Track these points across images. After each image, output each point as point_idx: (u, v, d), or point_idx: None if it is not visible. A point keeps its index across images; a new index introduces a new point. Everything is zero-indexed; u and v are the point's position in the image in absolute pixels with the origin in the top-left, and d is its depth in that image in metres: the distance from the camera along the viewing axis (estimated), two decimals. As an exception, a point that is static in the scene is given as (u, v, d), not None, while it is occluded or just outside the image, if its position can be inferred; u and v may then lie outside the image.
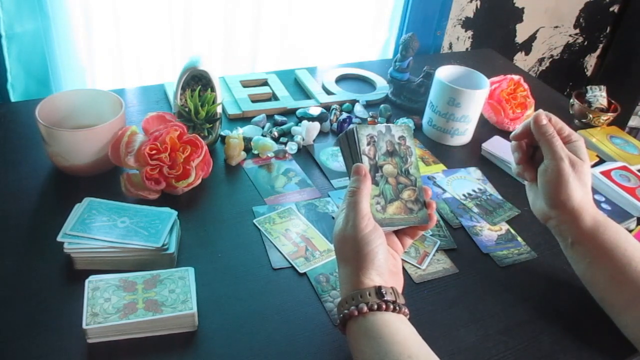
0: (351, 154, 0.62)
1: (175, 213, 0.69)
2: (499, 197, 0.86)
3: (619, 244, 0.63)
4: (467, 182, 0.89)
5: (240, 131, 0.88)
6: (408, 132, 0.65)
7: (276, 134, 0.91)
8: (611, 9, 1.72)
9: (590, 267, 0.65)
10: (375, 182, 0.61)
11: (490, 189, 0.88)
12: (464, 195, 0.85)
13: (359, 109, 1.02)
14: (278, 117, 0.96)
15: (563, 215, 0.66)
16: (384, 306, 0.53)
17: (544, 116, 0.66)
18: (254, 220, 0.75)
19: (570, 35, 1.70)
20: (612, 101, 1.11)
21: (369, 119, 0.99)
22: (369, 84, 1.14)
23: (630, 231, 0.83)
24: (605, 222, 0.65)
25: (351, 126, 0.63)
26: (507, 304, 0.68)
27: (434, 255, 0.73)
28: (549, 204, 0.66)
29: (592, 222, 0.64)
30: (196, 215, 0.75)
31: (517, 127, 0.71)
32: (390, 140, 0.64)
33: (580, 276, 0.67)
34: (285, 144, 0.90)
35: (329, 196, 0.82)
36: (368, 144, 0.62)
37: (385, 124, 0.64)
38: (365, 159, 0.61)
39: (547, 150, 0.65)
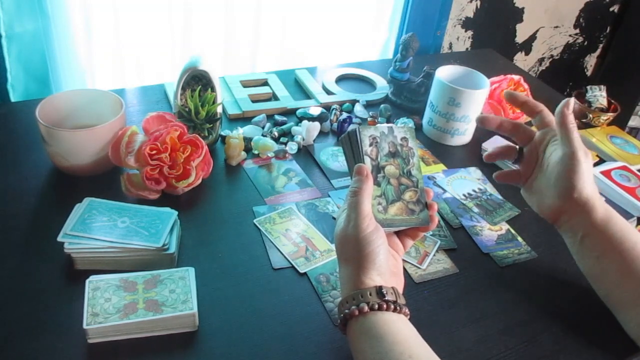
0: (353, 154, 0.62)
1: (175, 213, 0.69)
2: (499, 197, 0.86)
3: (629, 237, 0.63)
4: (467, 182, 0.89)
5: (241, 131, 0.88)
6: (410, 134, 0.65)
7: (276, 134, 0.91)
8: (611, 9, 1.72)
9: (599, 261, 0.64)
10: (377, 183, 0.61)
11: (490, 188, 0.88)
12: (464, 195, 0.85)
13: (359, 109, 1.02)
14: (278, 117, 0.96)
15: (577, 207, 0.65)
16: (384, 306, 0.53)
17: (572, 104, 0.66)
18: (254, 220, 0.75)
19: (570, 35, 1.70)
20: (612, 101, 1.11)
21: (369, 119, 0.99)
22: (369, 84, 1.14)
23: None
24: (615, 214, 0.65)
25: (353, 127, 0.63)
26: (507, 304, 0.68)
27: (434, 255, 0.73)
28: (562, 194, 0.65)
29: (604, 213, 0.64)
30: (196, 215, 0.75)
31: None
32: (392, 141, 0.64)
33: (587, 272, 0.67)
34: (285, 144, 0.90)
35: (329, 196, 0.82)
36: (370, 144, 0.62)
37: (387, 125, 0.64)
38: (367, 159, 0.61)
39: (566, 139, 0.65)
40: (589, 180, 0.64)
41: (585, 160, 0.64)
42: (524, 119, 1.03)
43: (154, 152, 0.72)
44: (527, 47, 1.64)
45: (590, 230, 0.64)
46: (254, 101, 1.00)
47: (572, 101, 0.66)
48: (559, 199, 0.66)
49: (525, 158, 0.72)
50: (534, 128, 0.73)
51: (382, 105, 1.03)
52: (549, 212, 0.68)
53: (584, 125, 1.08)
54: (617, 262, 0.63)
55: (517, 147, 0.74)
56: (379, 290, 0.53)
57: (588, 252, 0.66)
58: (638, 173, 0.93)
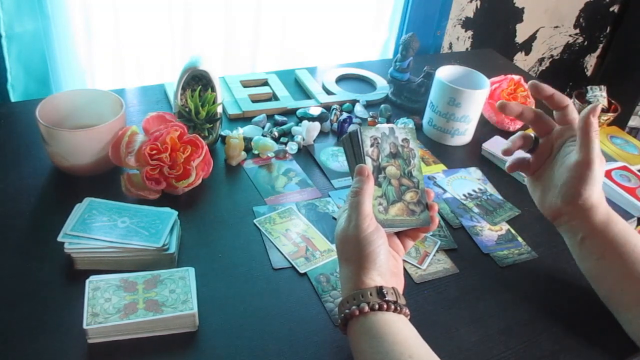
0: (354, 155, 0.62)
1: (175, 213, 0.69)
2: (499, 197, 0.86)
3: (629, 239, 0.62)
4: (468, 182, 0.89)
5: (241, 131, 0.88)
6: (411, 135, 0.65)
7: (276, 134, 0.91)
8: (611, 9, 1.72)
9: (600, 263, 0.64)
10: (378, 184, 0.61)
11: (490, 189, 0.88)
12: (464, 195, 0.85)
13: (359, 109, 1.02)
14: (278, 117, 0.96)
15: (579, 211, 0.64)
16: (385, 306, 0.53)
17: (599, 111, 0.64)
18: (255, 220, 0.75)
19: (570, 35, 1.71)
20: (612, 101, 1.11)
21: (369, 119, 0.99)
22: (369, 84, 1.14)
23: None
24: (615, 215, 0.64)
25: (354, 127, 0.63)
26: (507, 304, 0.68)
27: (434, 255, 0.73)
28: (567, 198, 0.64)
29: (605, 215, 0.64)
30: (196, 215, 0.75)
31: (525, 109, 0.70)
32: (393, 142, 0.64)
33: (587, 273, 0.67)
34: (285, 144, 0.90)
35: (330, 196, 0.82)
36: (371, 145, 0.62)
37: (388, 126, 0.64)
38: (368, 160, 0.61)
39: (585, 146, 0.62)
40: (598, 188, 0.63)
41: (599, 169, 0.63)
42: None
43: (154, 152, 0.72)
44: (527, 47, 1.64)
45: (591, 232, 0.64)
46: (254, 101, 1.00)
47: (599, 108, 0.63)
48: (562, 201, 0.65)
49: (539, 149, 0.70)
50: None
51: (382, 106, 1.03)
52: (550, 210, 0.68)
53: (584, 125, 1.08)
54: (617, 263, 0.63)
55: (534, 136, 0.71)
56: (380, 291, 0.53)
57: (588, 253, 0.65)
58: (638, 173, 0.93)
